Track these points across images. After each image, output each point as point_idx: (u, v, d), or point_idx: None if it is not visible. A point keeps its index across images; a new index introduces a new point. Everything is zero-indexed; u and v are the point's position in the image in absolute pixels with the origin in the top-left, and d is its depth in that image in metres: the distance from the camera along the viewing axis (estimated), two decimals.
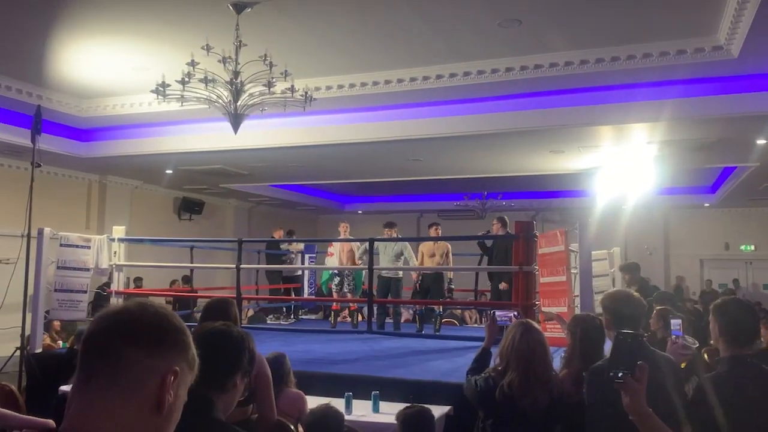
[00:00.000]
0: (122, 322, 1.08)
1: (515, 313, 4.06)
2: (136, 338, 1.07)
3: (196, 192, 14.27)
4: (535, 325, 3.25)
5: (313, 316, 11.24)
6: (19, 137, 8.29)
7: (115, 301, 7.41)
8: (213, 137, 8.62)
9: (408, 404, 3.96)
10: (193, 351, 1.14)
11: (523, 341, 3.05)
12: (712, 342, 2.77)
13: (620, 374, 1.71)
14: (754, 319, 2.66)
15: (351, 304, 9.07)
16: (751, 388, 2.49)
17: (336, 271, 9.01)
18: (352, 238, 8.88)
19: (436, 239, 8.24)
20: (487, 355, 3.53)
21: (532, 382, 2.98)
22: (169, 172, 11.53)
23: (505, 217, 8.06)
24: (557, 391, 3.04)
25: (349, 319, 9.31)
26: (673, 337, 3.19)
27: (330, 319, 9.00)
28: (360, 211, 17.92)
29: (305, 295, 10.46)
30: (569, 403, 3.07)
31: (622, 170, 9.99)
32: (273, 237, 10.86)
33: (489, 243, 8.15)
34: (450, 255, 8.24)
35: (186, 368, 1.12)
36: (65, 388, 4.91)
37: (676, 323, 3.33)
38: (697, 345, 3.26)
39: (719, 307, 2.66)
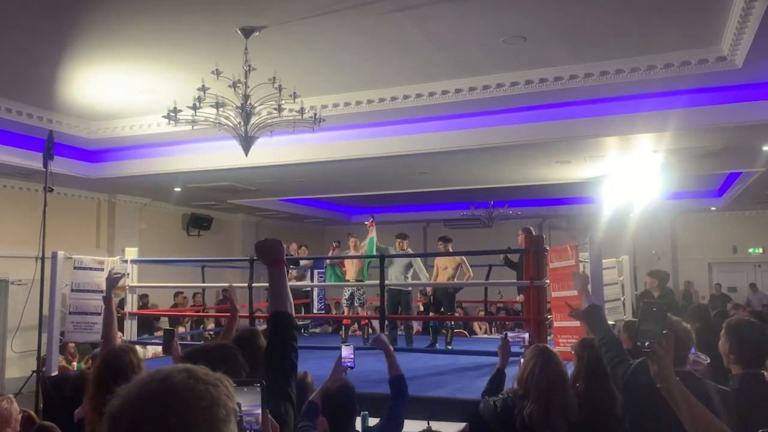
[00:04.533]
0: None
1: (528, 334, 4.08)
2: None
3: (204, 208, 14.36)
4: (554, 352, 3.26)
5: (318, 329, 11.26)
6: (31, 160, 8.41)
7: (129, 325, 7.49)
8: (221, 156, 8.70)
9: (428, 425, 4.00)
10: (232, 404, 1.04)
11: (543, 375, 3.07)
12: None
13: (647, 343, 1.75)
14: (765, 339, 2.71)
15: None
16: (761, 404, 2.54)
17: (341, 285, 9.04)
18: (353, 255, 8.89)
19: (446, 254, 8.23)
20: (502, 376, 3.56)
21: (551, 414, 3.01)
22: (177, 189, 11.62)
23: (531, 228, 7.99)
24: (575, 415, 3.07)
25: (360, 333, 9.33)
26: None
27: (341, 333, 9.03)
28: (367, 222, 17.95)
29: (315, 310, 10.48)
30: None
31: (629, 178, 10.01)
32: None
33: (515, 258, 8.05)
34: (466, 264, 8.20)
35: (235, 428, 1.04)
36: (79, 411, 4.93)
37: None
38: (708, 361, 3.28)
39: (731, 326, 2.72)
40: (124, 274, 5.41)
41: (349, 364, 3.63)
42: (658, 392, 2.86)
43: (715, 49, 6.05)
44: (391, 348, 3.54)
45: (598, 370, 3.22)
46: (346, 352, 3.65)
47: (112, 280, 4.29)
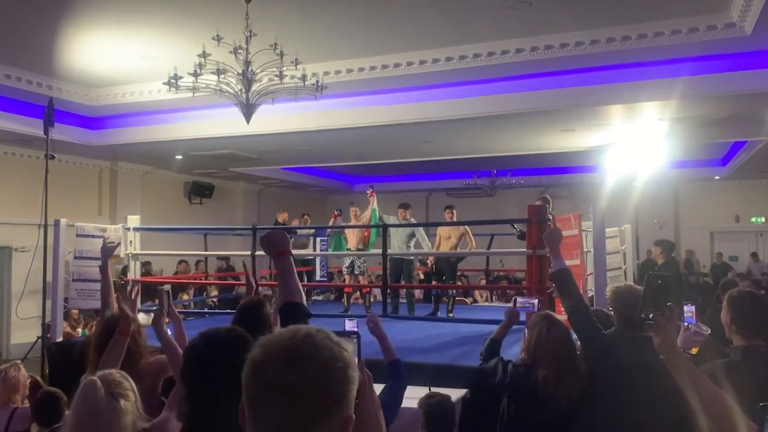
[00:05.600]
0: (292, 404, 1.04)
1: (538, 300, 4.03)
2: (310, 418, 1.04)
3: (206, 176, 14.33)
4: (558, 318, 3.26)
5: (321, 297, 11.33)
6: (31, 127, 8.36)
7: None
8: (223, 123, 8.64)
9: (429, 391, 4.02)
10: (357, 372, 1.12)
11: (550, 337, 3.07)
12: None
13: (651, 315, 1.76)
14: (767, 310, 2.71)
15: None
16: (764, 375, 2.55)
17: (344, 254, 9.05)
18: (356, 225, 8.89)
19: (449, 224, 8.23)
20: (497, 345, 3.53)
21: (563, 375, 3.02)
22: (179, 157, 11.58)
23: (548, 197, 7.91)
24: (584, 378, 3.08)
25: (362, 301, 9.38)
26: (686, 324, 3.21)
27: (343, 301, 9.08)
28: (367, 192, 17.91)
29: (317, 277, 10.52)
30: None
31: (633, 147, 9.95)
32: (277, 220, 10.85)
33: (524, 228, 7.97)
34: (469, 233, 8.20)
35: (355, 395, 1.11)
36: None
37: (688, 310, 3.36)
38: (709, 331, 3.28)
39: (734, 298, 2.72)
40: (118, 243, 5.40)
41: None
42: (636, 368, 2.78)
43: (724, 15, 5.96)
44: (385, 334, 3.45)
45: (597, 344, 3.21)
46: (350, 326, 3.63)
47: (107, 250, 4.30)
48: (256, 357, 1.07)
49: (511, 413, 3.27)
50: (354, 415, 1.09)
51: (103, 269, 4.17)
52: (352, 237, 8.98)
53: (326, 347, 1.08)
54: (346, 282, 9.05)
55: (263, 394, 1.05)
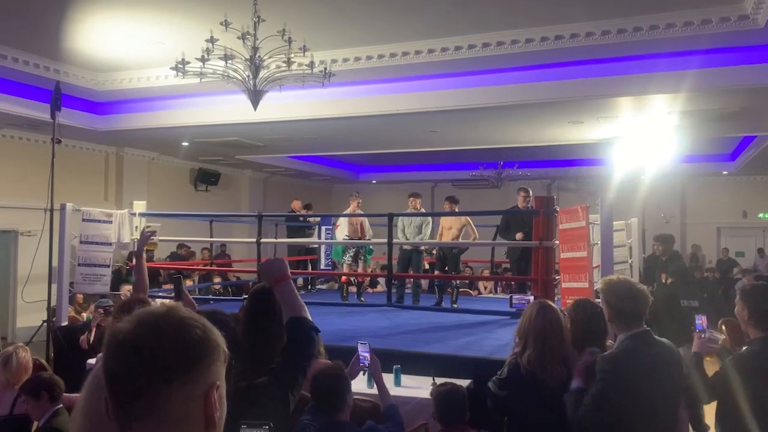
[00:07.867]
0: (146, 360, 1.00)
1: (534, 297, 4.04)
2: (167, 374, 1.01)
3: (212, 163, 14.33)
4: (552, 304, 3.26)
5: (325, 286, 11.34)
6: (38, 111, 8.36)
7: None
8: (229, 110, 8.62)
9: (433, 380, 4.02)
10: (222, 345, 1.09)
11: (539, 318, 3.09)
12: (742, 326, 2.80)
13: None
14: None
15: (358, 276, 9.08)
16: None
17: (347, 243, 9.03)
18: (362, 213, 8.87)
19: (451, 214, 8.21)
20: None
21: (548, 358, 3.01)
22: (185, 144, 11.57)
23: (528, 188, 7.97)
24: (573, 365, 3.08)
25: (371, 290, 9.36)
26: (698, 331, 3.20)
27: (343, 291, 9.00)
28: (374, 181, 17.92)
29: (322, 266, 10.55)
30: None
31: (641, 140, 9.88)
32: (292, 208, 10.90)
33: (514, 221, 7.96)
34: (471, 225, 8.18)
35: (222, 368, 1.09)
36: (93, 362, 4.99)
37: (699, 318, 3.34)
38: (724, 337, 3.28)
39: (748, 291, 2.73)
40: (155, 231, 5.50)
41: (364, 362, 3.61)
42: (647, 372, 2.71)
43: (737, 7, 5.88)
44: (381, 375, 3.50)
45: (593, 330, 3.19)
46: (362, 349, 3.62)
47: (144, 237, 4.38)
48: (112, 328, 1.07)
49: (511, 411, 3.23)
50: (219, 383, 1.07)
51: (138, 255, 4.17)
52: (351, 227, 8.94)
53: (186, 314, 1.07)
54: (344, 269, 9.01)
55: (114, 353, 1.03)
